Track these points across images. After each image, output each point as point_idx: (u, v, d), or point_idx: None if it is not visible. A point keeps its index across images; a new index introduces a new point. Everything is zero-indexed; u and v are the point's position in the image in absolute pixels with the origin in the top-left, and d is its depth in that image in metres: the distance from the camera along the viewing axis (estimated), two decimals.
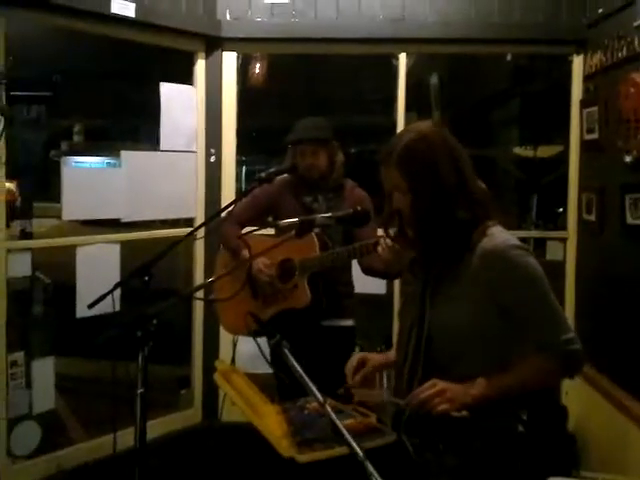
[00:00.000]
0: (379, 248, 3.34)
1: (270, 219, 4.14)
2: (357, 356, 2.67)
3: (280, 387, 3.76)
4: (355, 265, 4.02)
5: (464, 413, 2.21)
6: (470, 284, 2.31)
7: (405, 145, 2.34)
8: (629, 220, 3.94)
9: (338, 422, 1.99)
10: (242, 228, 3.99)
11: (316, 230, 3.69)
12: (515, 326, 2.35)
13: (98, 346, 2.33)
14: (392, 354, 2.69)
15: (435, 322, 2.37)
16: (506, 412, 2.32)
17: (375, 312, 5.40)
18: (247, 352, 3.81)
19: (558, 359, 2.31)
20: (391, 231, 2.53)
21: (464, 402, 2.23)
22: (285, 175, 4.00)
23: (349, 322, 4.06)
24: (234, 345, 4.13)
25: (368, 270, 3.91)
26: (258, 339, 2.36)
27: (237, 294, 3.12)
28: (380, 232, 3.32)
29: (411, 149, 2.33)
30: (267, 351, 2.37)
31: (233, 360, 4.30)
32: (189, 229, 4.44)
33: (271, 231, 4.12)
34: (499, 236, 2.34)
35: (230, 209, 3.20)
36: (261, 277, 3.89)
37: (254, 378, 2.74)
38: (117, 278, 4.48)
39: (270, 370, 3.40)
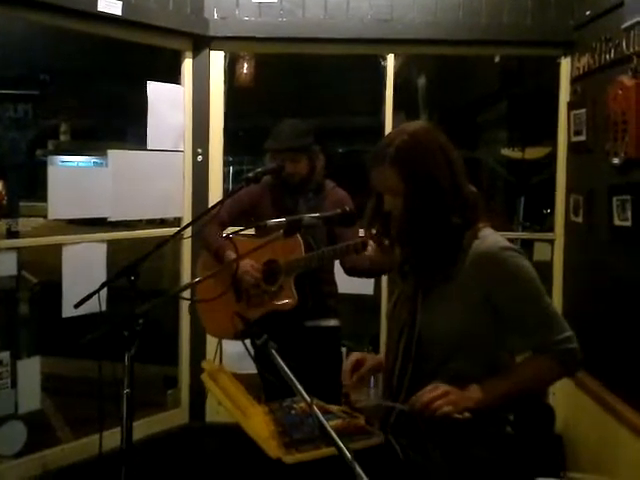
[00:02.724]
0: (369, 248, 3.33)
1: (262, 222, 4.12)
2: (353, 357, 2.65)
3: (267, 388, 3.76)
4: (337, 265, 4.01)
5: (467, 415, 2.21)
6: (463, 285, 2.31)
7: (399, 146, 2.32)
8: (616, 222, 3.94)
9: (325, 423, 1.99)
10: (223, 229, 3.99)
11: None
12: (509, 327, 2.35)
13: (83, 346, 2.33)
14: (383, 357, 2.68)
15: (426, 323, 2.36)
16: (494, 414, 2.32)
17: (362, 312, 5.40)
18: (234, 353, 3.80)
19: (555, 359, 2.31)
20: (373, 231, 2.52)
21: (466, 406, 2.22)
22: (266, 177, 3.99)
23: (334, 322, 4.05)
24: (220, 346, 4.12)
25: (352, 270, 3.91)
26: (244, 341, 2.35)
27: (222, 295, 3.11)
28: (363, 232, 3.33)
29: (406, 151, 2.31)
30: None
31: (220, 360, 4.29)
32: (176, 229, 4.43)
33: (251, 232, 4.11)
34: (491, 238, 2.34)
35: (217, 209, 3.19)
36: (247, 279, 3.85)
37: (241, 379, 2.73)
38: (103, 278, 4.45)
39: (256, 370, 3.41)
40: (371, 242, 3.30)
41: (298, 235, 3.70)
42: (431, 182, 2.29)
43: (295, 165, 3.90)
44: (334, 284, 4.13)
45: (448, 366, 2.32)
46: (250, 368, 2.49)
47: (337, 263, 4.01)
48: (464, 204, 2.34)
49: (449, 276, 2.34)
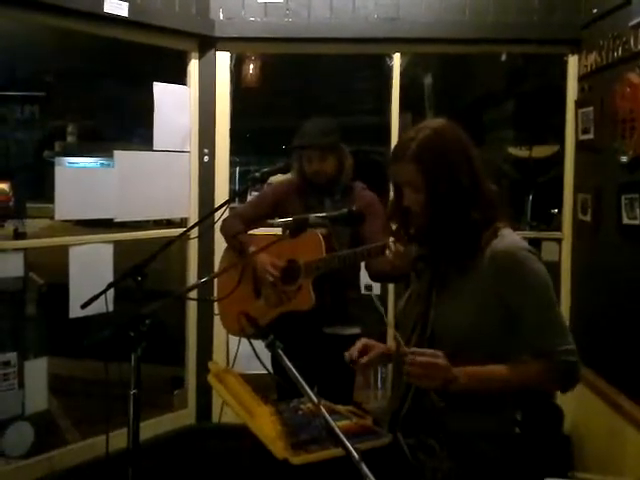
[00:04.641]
0: (387, 252, 3.30)
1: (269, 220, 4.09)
2: (363, 341, 2.64)
3: (279, 387, 3.73)
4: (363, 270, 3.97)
5: (441, 405, 2.23)
6: (478, 283, 2.30)
7: (422, 141, 2.32)
8: (625, 220, 3.93)
9: (333, 423, 1.98)
10: (247, 226, 3.95)
11: (322, 231, 3.64)
12: (517, 328, 2.33)
13: (90, 347, 2.33)
14: (392, 346, 2.67)
15: (439, 319, 2.36)
16: (502, 413, 2.32)
17: (368, 312, 5.37)
18: (245, 352, 3.79)
19: (552, 368, 2.29)
20: (393, 227, 2.53)
21: (445, 387, 2.24)
22: (292, 177, 3.95)
23: (355, 330, 3.90)
24: (227, 345, 4.11)
25: (377, 275, 3.85)
26: (256, 342, 2.33)
27: (232, 293, 3.10)
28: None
29: (428, 146, 2.32)
30: (268, 354, 2.34)
31: (229, 361, 4.27)
32: (182, 229, 4.42)
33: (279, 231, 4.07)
34: (510, 238, 2.33)
35: (224, 209, 3.18)
36: (266, 277, 3.83)
37: (253, 378, 2.72)
38: (110, 278, 4.46)
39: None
40: (391, 246, 3.26)
41: (320, 236, 3.67)
42: (451, 178, 2.30)
43: (322, 163, 3.83)
44: (359, 289, 4.07)
45: (458, 361, 2.31)
46: (259, 368, 2.48)
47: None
48: (484, 201, 2.34)
49: (465, 272, 2.33)
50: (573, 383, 2.38)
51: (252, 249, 3.74)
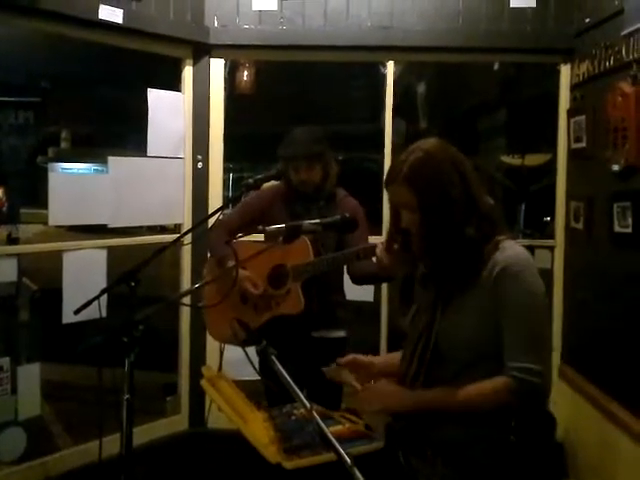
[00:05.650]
0: (378, 251, 3.31)
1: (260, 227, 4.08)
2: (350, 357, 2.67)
3: (268, 393, 3.74)
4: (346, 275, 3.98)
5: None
6: (480, 296, 2.30)
7: (412, 163, 2.33)
8: (617, 228, 3.94)
9: (325, 428, 1.99)
10: (231, 235, 3.94)
11: (309, 236, 3.64)
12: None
13: (81, 353, 2.33)
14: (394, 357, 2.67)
15: (443, 332, 2.36)
16: (496, 420, 2.32)
17: (363, 320, 5.39)
18: (235, 359, 3.79)
19: (510, 384, 2.24)
20: (395, 246, 2.53)
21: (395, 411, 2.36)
22: (277, 183, 3.96)
23: (341, 333, 3.96)
24: (221, 352, 4.10)
25: (359, 277, 3.86)
26: (247, 348, 2.34)
27: (220, 303, 3.10)
28: (373, 240, 3.31)
29: (419, 167, 2.33)
30: (256, 359, 2.35)
31: (220, 367, 4.27)
32: (176, 235, 4.43)
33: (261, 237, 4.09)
34: (510, 250, 2.32)
35: (218, 216, 3.18)
36: (248, 293, 3.83)
37: (242, 385, 2.73)
38: (104, 284, 4.45)
39: (258, 377, 3.41)
40: (379, 247, 3.28)
41: (307, 240, 3.68)
42: (444, 197, 2.30)
43: (309, 173, 3.84)
44: (343, 293, 4.08)
45: (463, 374, 2.31)
46: (251, 374, 2.49)
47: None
48: (480, 216, 2.34)
49: (468, 286, 2.33)
50: (532, 402, 2.30)
51: (231, 264, 3.72)
